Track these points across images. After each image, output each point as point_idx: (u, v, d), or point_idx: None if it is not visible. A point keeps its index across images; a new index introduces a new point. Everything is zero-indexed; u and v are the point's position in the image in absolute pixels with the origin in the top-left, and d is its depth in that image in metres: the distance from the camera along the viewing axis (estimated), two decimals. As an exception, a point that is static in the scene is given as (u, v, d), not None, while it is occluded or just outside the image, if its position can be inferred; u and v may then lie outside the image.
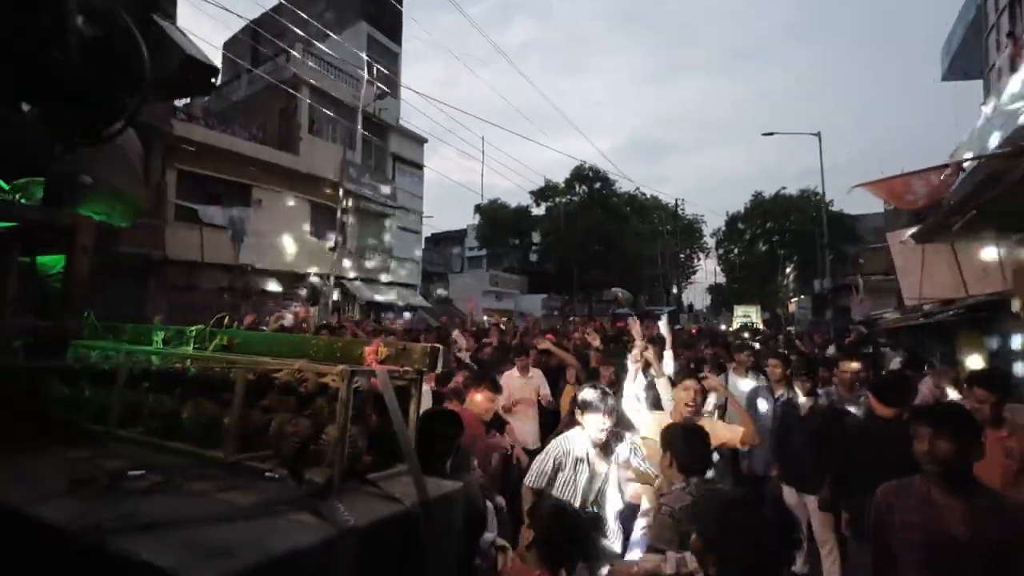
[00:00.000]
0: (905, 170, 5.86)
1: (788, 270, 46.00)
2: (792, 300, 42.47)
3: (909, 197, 5.48)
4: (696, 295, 53.95)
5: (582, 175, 33.38)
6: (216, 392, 1.41)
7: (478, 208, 34.77)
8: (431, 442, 1.98)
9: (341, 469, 1.09)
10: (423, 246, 26.12)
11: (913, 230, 6.92)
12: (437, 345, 1.33)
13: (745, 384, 4.83)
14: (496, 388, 3.40)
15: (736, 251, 44.84)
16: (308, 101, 16.94)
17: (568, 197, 33.76)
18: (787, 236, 38.88)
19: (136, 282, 12.92)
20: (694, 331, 13.67)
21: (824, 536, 3.38)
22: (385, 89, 19.11)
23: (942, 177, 5.08)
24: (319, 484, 1.07)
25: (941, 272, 6.90)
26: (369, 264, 19.14)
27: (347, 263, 18.17)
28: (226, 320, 1.66)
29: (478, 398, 3.28)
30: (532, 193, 34.36)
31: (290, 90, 16.51)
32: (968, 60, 11.09)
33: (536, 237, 34.85)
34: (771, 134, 18.04)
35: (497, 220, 33.88)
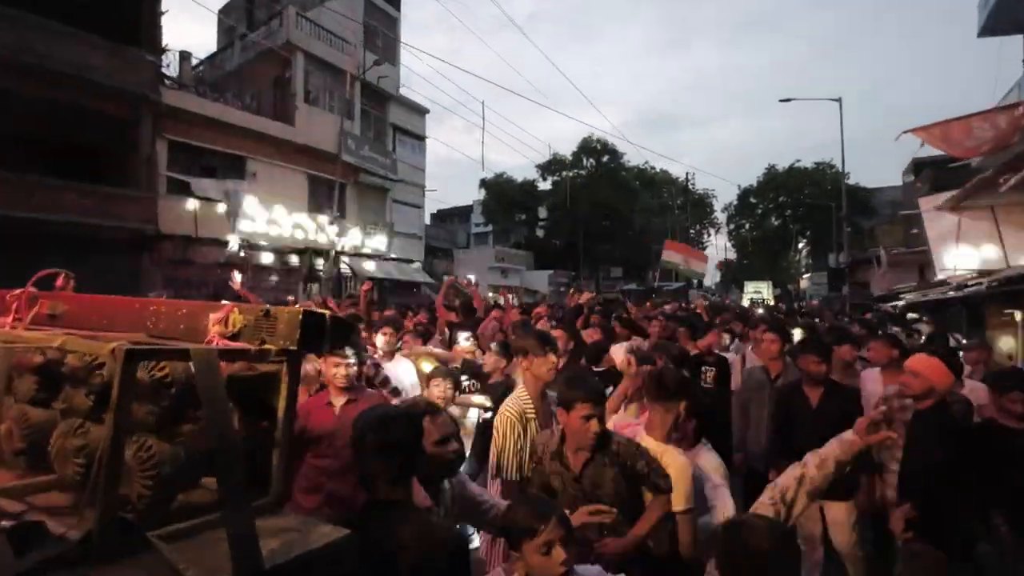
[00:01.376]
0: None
1: (800, 245, 45.03)
2: (804, 276, 41.64)
3: (969, 143, 4.83)
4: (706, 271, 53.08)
5: (590, 148, 32.45)
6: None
7: (483, 183, 34.06)
8: (369, 459, 1.42)
9: (106, 518, 0.63)
10: (427, 221, 25.59)
11: (949, 195, 6.31)
12: (321, 311, 0.86)
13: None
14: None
15: (748, 226, 43.84)
16: (303, 68, 16.25)
17: (575, 171, 32.91)
18: (800, 210, 37.78)
19: (130, 257, 12.60)
20: (699, 307, 12.93)
21: (851, 550, 2.90)
22: (382, 56, 18.34)
23: (1014, 117, 4.39)
24: (69, 547, 0.62)
25: (979, 241, 6.30)
26: (370, 239, 18.68)
27: (347, 238, 17.72)
28: (64, 281, 1.20)
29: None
30: (539, 167, 33.55)
31: (284, 55, 15.85)
32: (1009, 12, 10.19)
33: (543, 212, 34.19)
34: (788, 100, 17.11)
35: (503, 195, 33.18)
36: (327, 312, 0.87)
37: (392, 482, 1.38)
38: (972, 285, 7.79)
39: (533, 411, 2.39)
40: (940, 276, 7.63)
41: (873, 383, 3.12)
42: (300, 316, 0.82)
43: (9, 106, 11.32)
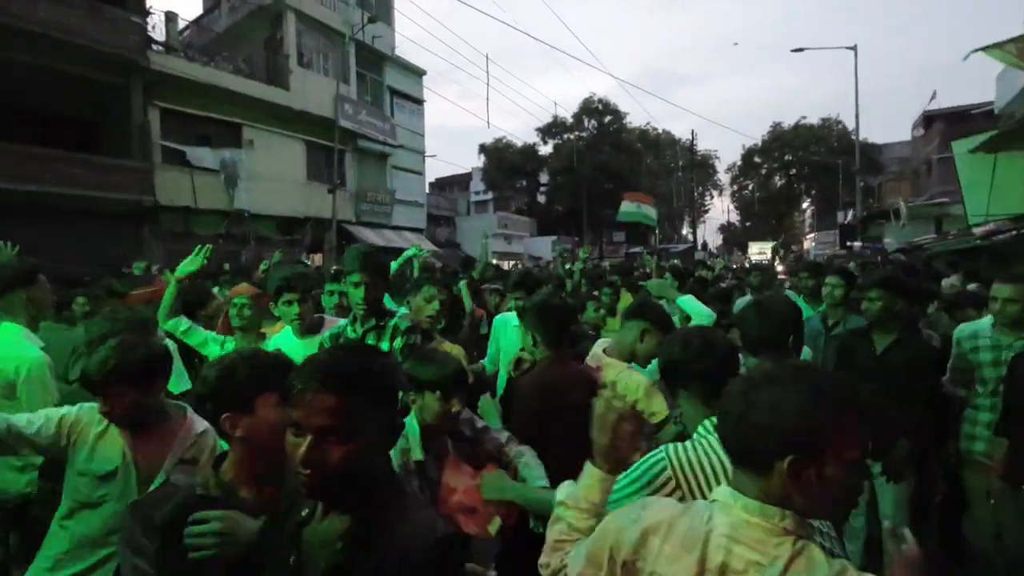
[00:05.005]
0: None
1: (805, 205, 44.48)
2: (808, 236, 41.29)
3: None
4: (708, 235, 52.73)
5: (591, 108, 31.63)
6: None
7: (483, 148, 33.37)
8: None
9: None
10: (427, 189, 25.14)
11: (987, 136, 6.02)
12: None
13: None
14: None
15: (751, 187, 43.23)
16: (295, 28, 15.58)
17: (577, 133, 32.16)
18: (806, 169, 37.14)
19: (129, 229, 12.34)
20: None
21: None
22: (376, 14, 17.58)
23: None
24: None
25: (1015, 184, 6.04)
26: (371, 207, 18.35)
27: (348, 207, 17.39)
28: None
29: None
30: (539, 130, 32.80)
31: (276, 8, 15.16)
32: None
33: (544, 177, 33.63)
34: (801, 50, 16.45)
35: (503, 160, 32.55)
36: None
37: None
38: (999, 233, 7.56)
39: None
40: (972, 222, 7.40)
41: None
42: None
43: (-8, 73, 10.86)
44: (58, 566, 1.53)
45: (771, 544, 0.81)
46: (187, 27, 16.88)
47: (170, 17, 13.45)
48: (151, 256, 12.58)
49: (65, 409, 1.60)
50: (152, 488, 1.44)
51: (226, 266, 8.15)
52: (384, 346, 2.09)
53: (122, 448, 1.55)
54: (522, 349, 2.14)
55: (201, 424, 1.62)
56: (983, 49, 4.76)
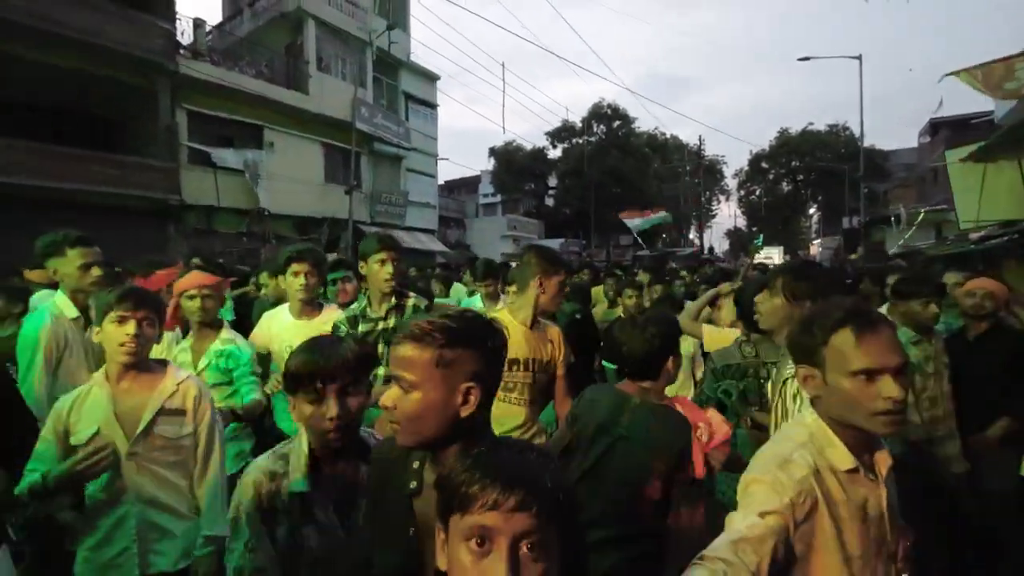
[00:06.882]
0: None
1: (811, 211, 44.67)
2: (814, 242, 41.50)
3: (1010, 84, 4.87)
4: (714, 239, 52.96)
5: (600, 113, 32.04)
6: None
7: (492, 151, 33.85)
8: None
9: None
10: (438, 191, 25.64)
11: (976, 146, 6.38)
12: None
13: None
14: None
15: (758, 192, 43.46)
16: (315, 35, 16.13)
17: (586, 138, 32.58)
18: (812, 175, 37.38)
19: (155, 227, 12.85)
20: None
21: None
22: (393, 20, 18.10)
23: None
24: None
25: (1002, 192, 6.40)
26: (385, 208, 18.85)
27: (363, 208, 17.89)
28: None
29: None
30: (548, 134, 33.24)
31: (296, 14, 15.67)
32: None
33: (553, 180, 34.06)
34: (807, 59, 16.85)
35: (512, 163, 33.01)
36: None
37: None
38: (992, 238, 7.92)
39: None
40: (963, 227, 7.76)
41: None
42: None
43: (30, 75, 11.42)
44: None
45: (791, 429, 1.10)
46: (209, 32, 17.50)
47: (198, 24, 14.02)
48: (176, 253, 13.14)
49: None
50: (137, 433, 1.58)
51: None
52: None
53: (106, 403, 1.59)
54: None
55: (183, 372, 1.74)
56: (954, 73, 5.12)
